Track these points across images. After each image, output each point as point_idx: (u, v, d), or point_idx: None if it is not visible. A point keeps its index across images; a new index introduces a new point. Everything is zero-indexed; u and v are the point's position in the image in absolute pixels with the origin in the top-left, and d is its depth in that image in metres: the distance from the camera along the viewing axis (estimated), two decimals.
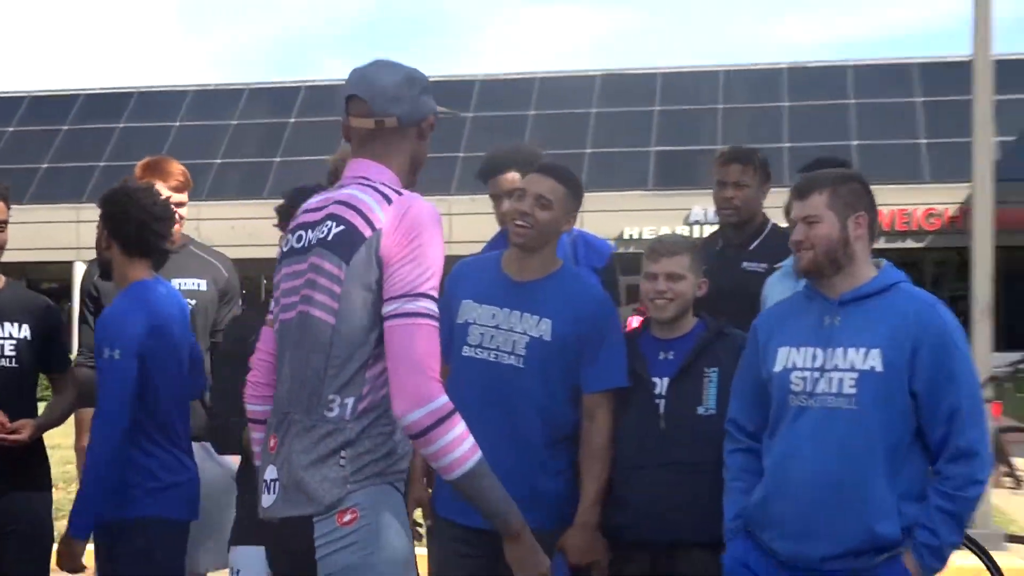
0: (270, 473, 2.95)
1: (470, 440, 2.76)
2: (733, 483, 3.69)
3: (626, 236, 29.04)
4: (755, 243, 4.92)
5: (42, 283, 31.44)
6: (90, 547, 4.13)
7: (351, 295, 2.84)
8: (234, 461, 4.48)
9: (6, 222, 4.36)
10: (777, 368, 3.55)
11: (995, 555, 6.48)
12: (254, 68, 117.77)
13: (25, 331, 4.40)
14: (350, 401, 2.83)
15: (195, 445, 4.28)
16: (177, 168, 5.00)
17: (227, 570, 4.04)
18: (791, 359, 3.52)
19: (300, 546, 2.82)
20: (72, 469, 8.10)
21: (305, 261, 2.94)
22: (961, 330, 3.49)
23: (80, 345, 4.97)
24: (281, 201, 3.95)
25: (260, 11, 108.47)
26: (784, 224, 4.76)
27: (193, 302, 4.63)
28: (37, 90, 37.80)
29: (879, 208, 3.71)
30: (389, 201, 2.88)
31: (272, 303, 3.09)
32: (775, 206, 4.73)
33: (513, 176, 4.47)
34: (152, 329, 3.99)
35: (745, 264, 4.73)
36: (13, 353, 4.36)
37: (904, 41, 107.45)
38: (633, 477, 3.94)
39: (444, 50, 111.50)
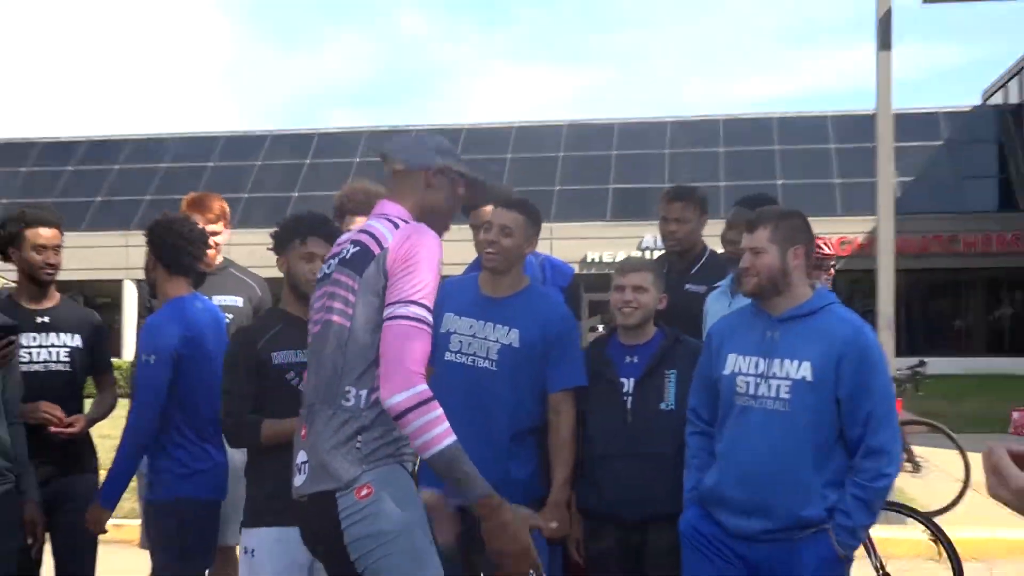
0: (300, 457, 2.96)
1: (444, 425, 2.73)
2: (691, 460, 3.72)
3: (588, 260, 29.08)
4: (696, 267, 4.89)
5: (96, 299, 31.24)
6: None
7: (363, 302, 2.87)
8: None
9: (60, 247, 4.35)
10: (726, 371, 3.56)
11: (898, 528, 6.49)
12: (276, 118, 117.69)
13: (77, 340, 4.40)
14: (364, 392, 2.84)
15: None
16: (215, 204, 5.00)
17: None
18: (738, 364, 3.53)
19: (326, 520, 2.82)
20: None
21: (330, 282, 3.00)
22: (879, 348, 3.51)
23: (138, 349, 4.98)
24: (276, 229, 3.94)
25: (281, 70, 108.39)
26: (720, 250, 4.77)
27: (230, 316, 4.61)
28: (94, 135, 37.65)
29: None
30: (397, 227, 2.93)
31: (310, 324, 3.09)
32: (714, 235, 4.73)
33: (489, 210, 4.48)
34: (185, 338, 4.01)
35: (688, 286, 4.72)
36: (68, 359, 4.36)
37: (820, 98, 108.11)
38: (604, 464, 3.95)
39: (437, 103, 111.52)
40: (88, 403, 4.52)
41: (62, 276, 4.39)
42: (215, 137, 36.66)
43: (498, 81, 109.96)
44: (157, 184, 34.49)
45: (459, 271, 4.82)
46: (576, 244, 28.49)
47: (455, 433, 2.75)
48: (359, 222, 4.49)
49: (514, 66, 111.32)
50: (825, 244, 5.42)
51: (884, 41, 9.17)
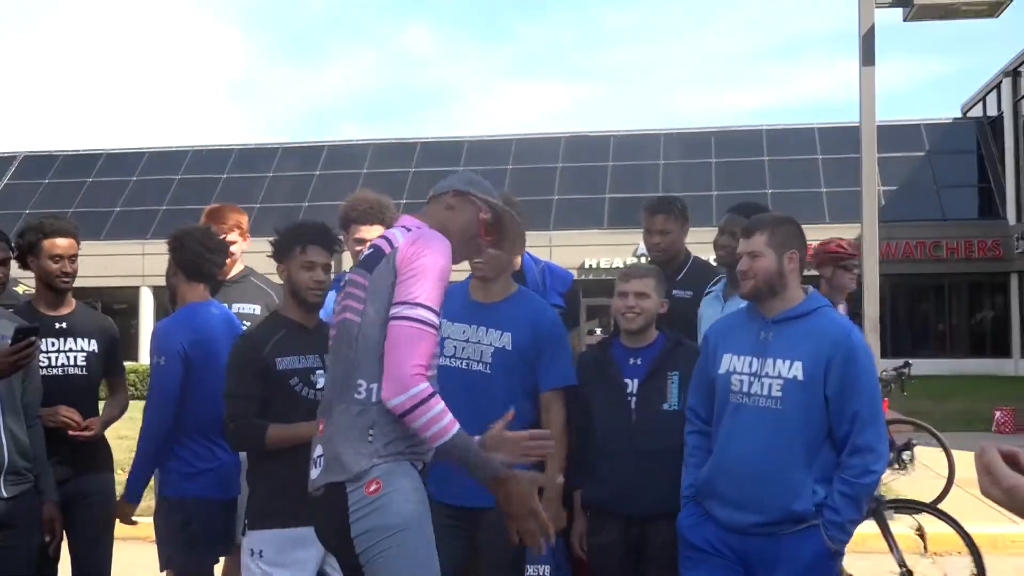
0: (317, 451, 2.96)
1: (447, 417, 2.75)
2: (689, 458, 3.72)
3: (586, 266, 29.06)
4: (681, 274, 4.87)
5: (114, 305, 31.22)
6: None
7: (373, 298, 2.87)
8: None
9: (76, 256, 4.36)
10: (722, 371, 3.57)
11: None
12: (286, 131, 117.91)
13: (93, 345, 4.40)
14: (375, 386, 2.83)
15: None
16: (230, 215, 5.00)
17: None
18: (733, 364, 3.55)
19: (336, 511, 2.81)
20: None
21: (347, 283, 3.02)
22: (867, 350, 3.52)
23: None
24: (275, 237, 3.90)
25: (291, 85, 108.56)
26: (711, 256, 4.76)
27: (248, 324, 4.59)
28: (111, 148, 37.69)
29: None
30: (409, 231, 2.96)
31: (333, 331, 3.09)
32: (706, 242, 4.71)
33: None
34: (195, 341, 4.04)
35: (674, 292, 4.71)
36: (84, 363, 4.36)
37: (807, 110, 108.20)
38: (610, 460, 3.96)
39: (440, 116, 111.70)
40: (101, 405, 4.52)
41: (82, 283, 4.39)
42: (228, 150, 36.68)
43: (499, 95, 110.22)
44: (172, 195, 34.50)
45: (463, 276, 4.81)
46: (574, 251, 28.47)
47: None
48: (363, 231, 4.49)
49: (514, 81, 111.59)
50: (848, 245, 5.44)
51: (867, 57, 9.15)
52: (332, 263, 3.81)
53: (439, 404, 2.76)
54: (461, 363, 3.94)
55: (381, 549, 2.76)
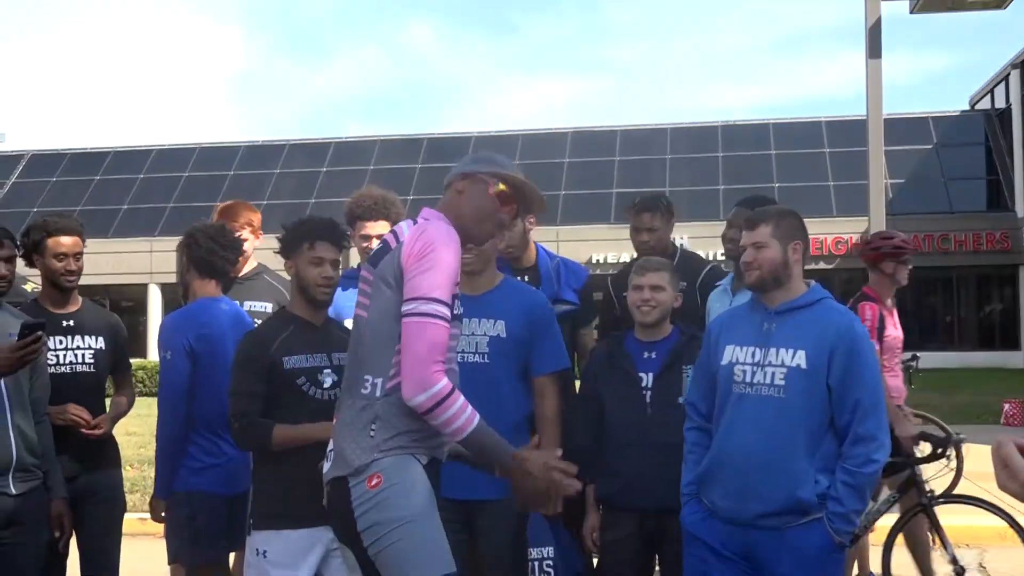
0: (330, 444, 2.97)
1: (468, 411, 2.79)
2: (688, 455, 3.71)
3: (593, 260, 29.04)
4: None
5: (122, 302, 31.33)
6: None
7: (377, 293, 2.88)
8: None
9: (81, 254, 4.36)
10: (724, 361, 3.57)
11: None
12: (293, 127, 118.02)
13: (100, 343, 4.41)
14: (379, 381, 2.84)
15: None
16: (241, 212, 5.02)
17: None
18: (735, 355, 3.55)
19: (343, 505, 2.82)
20: (147, 451, 8.04)
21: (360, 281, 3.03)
22: (869, 340, 3.52)
23: None
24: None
25: (297, 82, 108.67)
26: (718, 249, 4.74)
27: (259, 322, 4.59)
28: (119, 146, 37.76)
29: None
30: (415, 223, 2.95)
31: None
32: (713, 236, 4.71)
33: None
34: (202, 336, 4.05)
35: None
36: (92, 361, 4.37)
37: (814, 103, 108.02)
38: (624, 454, 3.96)
39: (447, 112, 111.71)
40: (108, 402, 4.53)
41: (90, 280, 4.40)
42: (235, 147, 36.72)
43: (504, 90, 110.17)
44: (180, 192, 34.55)
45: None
46: (581, 246, 28.44)
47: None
48: (369, 227, 4.49)
49: (520, 76, 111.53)
50: (907, 240, 5.51)
51: (874, 50, 9.13)
52: (341, 259, 3.78)
53: (459, 399, 2.78)
54: (458, 356, 3.92)
55: (387, 543, 2.77)
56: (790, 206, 4.57)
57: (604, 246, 29.64)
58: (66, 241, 4.27)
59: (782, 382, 3.42)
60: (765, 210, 3.70)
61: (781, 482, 3.40)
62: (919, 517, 5.52)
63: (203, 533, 4.04)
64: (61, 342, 4.29)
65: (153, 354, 30.37)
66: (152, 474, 4.37)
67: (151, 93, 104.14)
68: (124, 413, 4.54)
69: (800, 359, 3.42)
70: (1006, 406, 14.86)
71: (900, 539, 5.66)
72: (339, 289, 4.57)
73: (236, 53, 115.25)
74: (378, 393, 2.84)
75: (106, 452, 4.40)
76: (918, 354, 9.30)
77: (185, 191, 34.37)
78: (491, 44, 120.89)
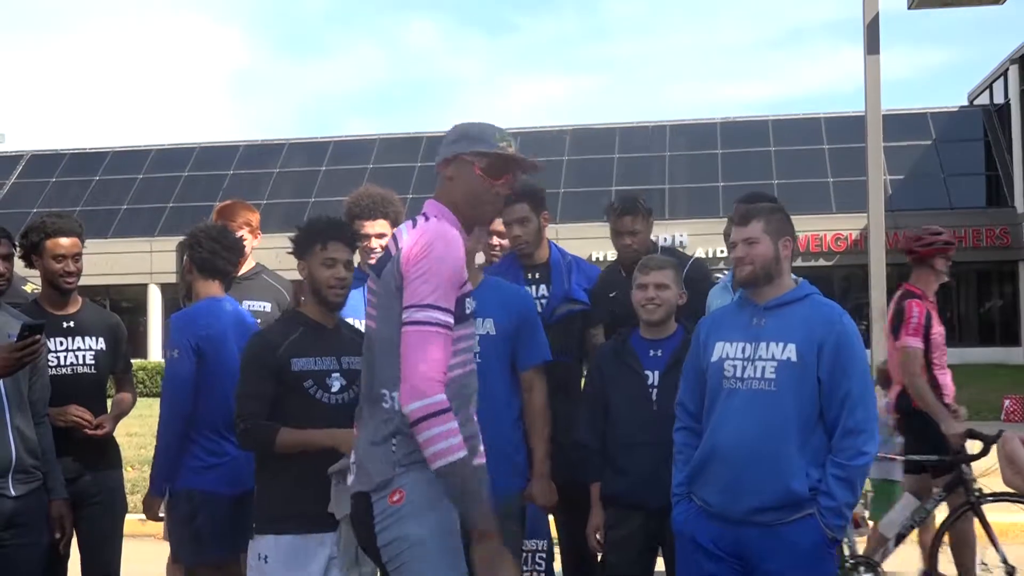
0: (352, 456, 2.93)
1: (455, 440, 2.66)
2: (677, 456, 3.71)
3: (593, 259, 28.94)
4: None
5: (122, 302, 31.33)
6: None
7: (383, 303, 2.82)
8: None
9: (80, 255, 4.36)
10: (714, 358, 3.58)
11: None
12: (292, 126, 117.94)
13: (101, 343, 4.41)
14: (396, 395, 2.76)
15: None
16: (241, 213, 5.02)
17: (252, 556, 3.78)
18: (725, 351, 3.56)
19: (365, 520, 2.78)
20: (147, 452, 8.02)
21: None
22: (858, 334, 3.53)
23: None
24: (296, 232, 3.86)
25: (296, 80, 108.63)
26: (719, 246, 4.73)
27: (259, 321, 4.59)
28: (118, 146, 37.75)
29: (796, 234, 3.76)
30: (414, 224, 2.87)
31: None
32: (713, 233, 4.71)
33: (521, 206, 4.46)
34: (208, 335, 4.04)
35: None
36: (93, 362, 4.37)
37: (813, 99, 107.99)
38: (630, 452, 3.97)
39: (445, 110, 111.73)
40: (109, 403, 4.53)
41: (90, 281, 4.40)
42: (234, 146, 36.71)
43: (503, 88, 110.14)
44: (179, 192, 34.54)
45: None
46: (581, 244, 28.35)
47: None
48: (367, 226, 4.48)
49: (518, 74, 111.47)
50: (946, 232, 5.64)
51: (872, 46, 9.13)
52: (354, 259, 3.73)
53: (452, 422, 2.68)
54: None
55: (405, 559, 2.72)
56: (790, 203, 4.60)
57: (604, 244, 29.48)
58: (65, 242, 4.27)
59: (772, 375, 3.44)
60: (756, 207, 3.72)
61: (773, 474, 3.40)
62: (966, 515, 5.43)
63: (203, 533, 4.03)
64: (62, 343, 4.29)
65: (153, 354, 30.39)
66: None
67: (149, 93, 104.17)
68: (126, 412, 4.54)
69: (790, 352, 3.43)
70: (1006, 402, 14.89)
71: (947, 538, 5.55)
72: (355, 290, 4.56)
73: (235, 52, 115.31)
74: (396, 407, 2.76)
75: (107, 453, 4.40)
76: None
77: (184, 191, 34.36)
78: (490, 42, 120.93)
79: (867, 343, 9.25)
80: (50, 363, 4.19)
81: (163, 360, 5.03)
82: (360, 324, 3.43)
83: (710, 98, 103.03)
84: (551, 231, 4.53)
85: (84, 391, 4.29)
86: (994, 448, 5.20)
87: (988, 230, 30.01)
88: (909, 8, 9.71)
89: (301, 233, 3.68)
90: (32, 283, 5.31)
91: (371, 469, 2.77)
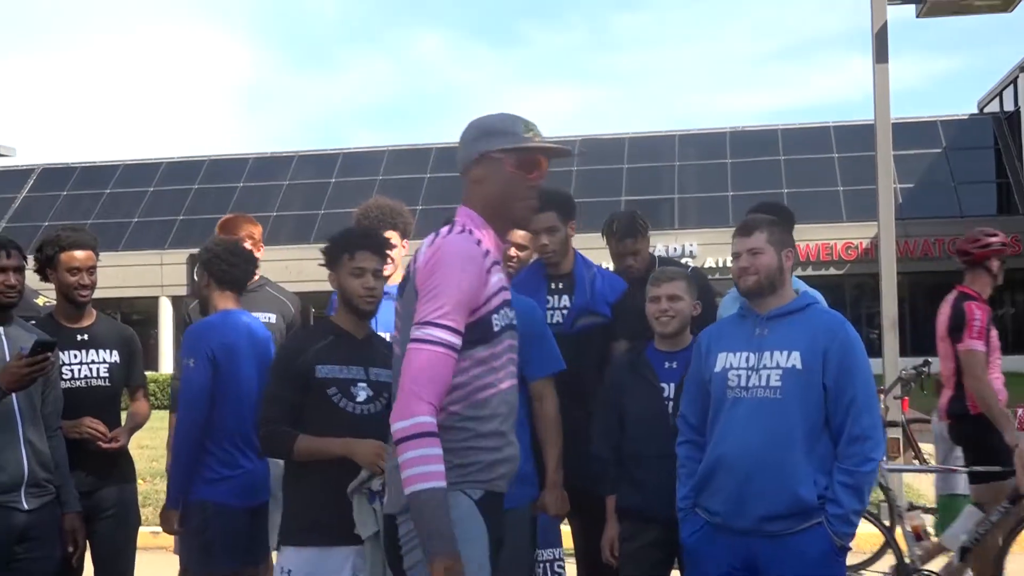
0: (378, 484, 2.90)
1: (433, 468, 2.50)
2: (680, 469, 3.71)
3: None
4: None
5: (133, 315, 31.42)
6: None
7: (405, 324, 2.71)
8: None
9: (95, 268, 4.37)
10: (717, 369, 3.59)
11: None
12: (302, 139, 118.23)
13: (115, 356, 4.42)
14: None
15: None
16: (243, 227, 5.05)
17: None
18: (729, 361, 3.57)
19: (393, 542, 2.71)
20: (159, 465, 8.03)
21: None
22: (860, 341, 3.54)
23: (176, 363, 5.05)
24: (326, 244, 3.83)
25: (305, 93, 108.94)
26: (727, 256, 4.74)
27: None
28: (128, 159, 37.92)
29: (807, 243, 3.81)
30: (435, 238, 2.71)
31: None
32: (723, 243, 4.71)
33: (548, 215, 4.43)
34: (224, 345, 4.04)
35: None
36: (107, 374, 4.37)
37: (823, 108, 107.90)
38: (648, 465, 3.96)
39: (454, 121, 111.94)
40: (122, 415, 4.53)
41: (101, 294, 4.42)
42: (244, 159, 36.84)
43: (511, 100, 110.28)
44: (189, 205, 34.68)
45: None
46: (592, 255, 28.25)
47: None
48: None
49: (526, 85, 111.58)
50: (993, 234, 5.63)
51: (881, 54, 9.11)
52: (384, 268, 3.70)
53: (436, 448, 2.52)
54: None
55: None
56: (800, 212, 4.61)
57: None
58: (80, 255, 4.29)
59: (778, 383, 3.45)
60: (758, 217, 3.75)
61: (781, 482, 3.40)
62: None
63: (214, 545, 4.02)
64: (76, 356, 4.30)
65: (164, 367, 30.45)
66: (164, 487, 4.36)
67: (160, 106, 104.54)
68: (141, 425, 4.55)
69: (795, 360, 3.45)
70: (1020, 411, 14.77)
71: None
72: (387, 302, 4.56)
73: (245, 65, 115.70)
74: None
75: (120, 466, 4.40)
76: (930, 359, 9.26)
77: (195, 204, 34.49)
78: (500, 55, 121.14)
79: (878, 352, 9.21)
80: (64, 376, 4.20)
81: (174, 372, 5.06)
82: (389, 337, 3.39)
83: (719, 108, 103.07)
84: None
85: (98, 404, 4.29)
86: None
87: None
88: (918, 16, 9.70)
89: (330, 244, 3.67)
90: (44, 296, 5.33)
91: (396, 491, 2.68)
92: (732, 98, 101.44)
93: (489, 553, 2.72)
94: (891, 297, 8.96)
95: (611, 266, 5.01)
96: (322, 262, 3.69)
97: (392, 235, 4.48)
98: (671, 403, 3.99)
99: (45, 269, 4.31)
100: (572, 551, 4.56)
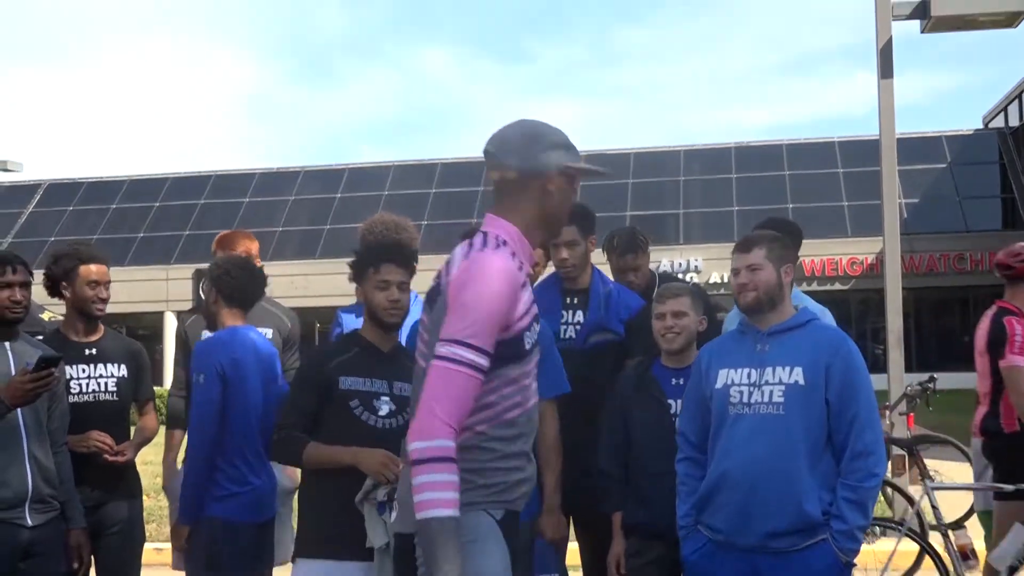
0: (396, 492, 2.81)
1: (448, 495, 2.42)
2: (681, 487, 3.70)
3: None
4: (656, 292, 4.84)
5: (138, 330, 31.43)
6: None
7: (432, 337, 2.61)
8: (291, 474, 4.46)
9: (109, 282, 4.41)
10: (718, 385, 3.58)
11: (882, 540, 6.37)
12: (307, 153, 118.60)
13: (123, 370, 4.44)
14: None
15: None
16: (240, 242, 5.04)
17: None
18: (730, 377, 3.57)
19: (408, 563, 2.64)
20: (162, 481, 7.97)
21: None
22: (861, 357, 3.55)
23: (174, 379, 5.02)
24: (351, 258, 3.80)
25: (311, 108, 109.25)
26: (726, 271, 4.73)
27: None
28: (135, 175, 38.03)
29: (812, 258, 3.81)
30: (470, 248, 2.62)
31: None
32: (730, 258, 4.69)
33: (569, 228, 4.39)
34: (234, 362, 4.03)
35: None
36: (115, 389, 4.39)
37: (828, 123, 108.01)
38: (655, 482, 3.93)
39: (459, 137, 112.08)
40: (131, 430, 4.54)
41: (106, 308, 4.43)
42: (250, 174, 36.93)
43: (516, 115, 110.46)
44: (195, 220, 34.75)
45: None
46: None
47: None
48: None
49: (531, 101, 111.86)
50: None
51: (886, 70, 9.13)
52: (410, 280, 3.70)
53: (452, 474, 2.43)
54: None
55: None
56: (805, 228, 4.61)
57: None
58: (97, 269, 4.33)
59: (781, 399, 3.44)
60: (758, 234, 3.76)
61: (786, 497, 3.39)
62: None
63: (219, 562, 4.00)
64: (84, 370, 4.31)
65: (169, 382, 30.44)
66: (167, 502, 4.35)
67: (166, 121, 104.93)
68: (149, 440, 4.56)
69: (798, 375, 3.45)
70: None
71: None
72: (351, 315, 4.55)
73: (251, 80, 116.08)
74: None
75: (127, 481, 4.41)
76: (935, 375, 9.25)
77: (200, 219, 34.57)
78: (504, 70, 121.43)
79: (883, 367, 9.21)
80: (72, 390, 4.21)
81: (170, 389, 5.05)
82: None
83: (724, 124, 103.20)
84: None
85: (106, 418, 4.30)
86: None
87: None
88: (922, 32, 9.72)
89: (357, 258, 3.69)
90: (50, 311, 5.34)
91: (411, 510, 2.57)
92: (737, 112, 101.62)
93: (508, 572, 2.67)
94: (896, 313, 8.96)
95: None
96: (351, 276, 3.70)
97: None
98: (678, 419, 3.97)
99: (60, 283, 4.32)
100: (579, 566, 4.55)
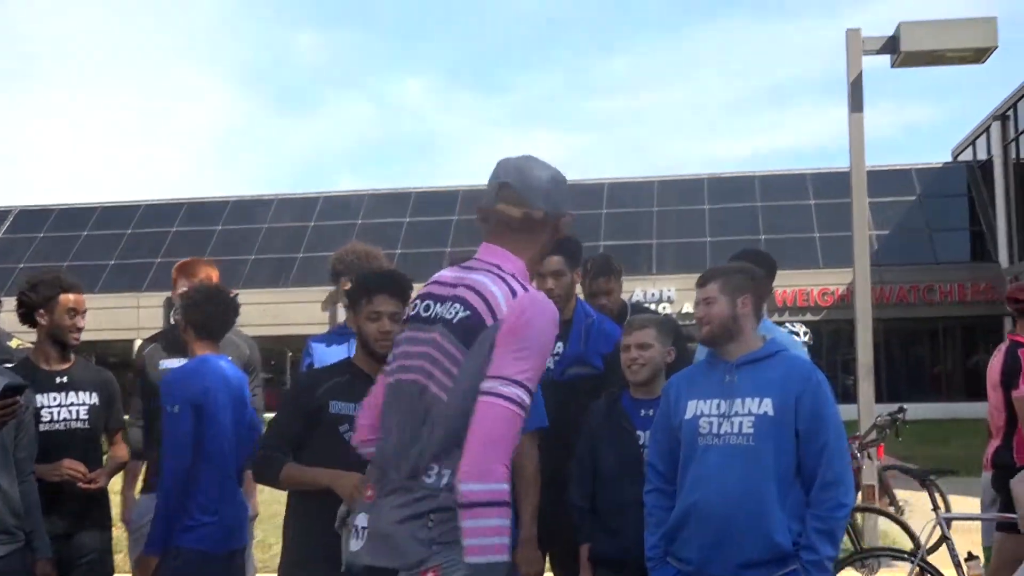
0: (361, 520, 2.72)
1: (501, 540, 2.43)
2: (649, 518, 3.70)
3: None
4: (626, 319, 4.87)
5: (109, 357, 31.16)
6: None
7: (465, 377, 2.57)
8: (253, 504, 4.44)
9: (86, 311, 4.41)
10: (688, 416, 3.58)
11: (882, 572, 6.39)
12: (283, 182, 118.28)
13: (94, 398, 4.42)
14: (447, 472, 2.55)
15: None
16: (201, 270, 4.98)
17: None
18: (699, 408, 3.57)
19: None
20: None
21: (429, 332, 2.68)
22: (829, 387, 3.57)
23: (131, 408, 4.95)
24: (346, 285, 3.84)
25: (286, 137, 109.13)
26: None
27: None
28: (107, 202, 37.84)
29: (784, 288, 3.82)
30: (514, 295, 2.61)
31: (391, 357, 2.83)
32: None
33: (557, 259, 4.45)
34: (206, 391, 4.01)
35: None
36: (86, 417, 4.37)
37: (800, 155, 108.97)
38: (623, 513, 3.93)
39: (435, 166, 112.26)
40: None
41: None
42: (223, 201, 36.83)
43: (492, 145, 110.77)
44: (167, 248, 34.58)
45: None
46: None
47: None
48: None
49: (507, 131, 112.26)
50: None
51: (856, 103, 9.27)
52: (403, 311, 3.67)
53: (506, 519, 2.44)
54: None
55: None
56: (777, 258, 4.64)
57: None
58: (76, 298, 4.34)
59: (751, 430, 3.45)
60: (715, 269, 3.79)
61: (756, 528, 3.39)
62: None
63: None
64: (55, 399, 4.29)
65: None
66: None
67: (138, 149, 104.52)
68: (121, 467, 4.54)
69: (767, 406, 3.45)
70: None
71: None
72: (323, 344, 4.54)
73: (226, 109, 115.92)
74: (442, 484, 2.56)
75: (96, 511, 4.37)
76: (904, 406, 9.32)
77: (173, 246, 34.40)
78: (481, 101, 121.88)
79: (854, 398, 9.27)
80: (43, 419, 4.19)
81: (128, 419, 4.99)
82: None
83: (697, 155, 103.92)
84: None
85: (78, 446, 4.28)
86: None
87: (973, 285, 30.24)
88: (892, 67, 9.87)
89: (352, 288, 3.74)
90: (18, 338, 5.30)
91: (402, 546, 2.55)
92: (708, 144, 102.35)
93: None
94: (866, 344, 9.04)
95: None
96: (347, 303, 3.71)
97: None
98: (646, 450, 3.97)
99: (37, 311, 4.30)
100: None
